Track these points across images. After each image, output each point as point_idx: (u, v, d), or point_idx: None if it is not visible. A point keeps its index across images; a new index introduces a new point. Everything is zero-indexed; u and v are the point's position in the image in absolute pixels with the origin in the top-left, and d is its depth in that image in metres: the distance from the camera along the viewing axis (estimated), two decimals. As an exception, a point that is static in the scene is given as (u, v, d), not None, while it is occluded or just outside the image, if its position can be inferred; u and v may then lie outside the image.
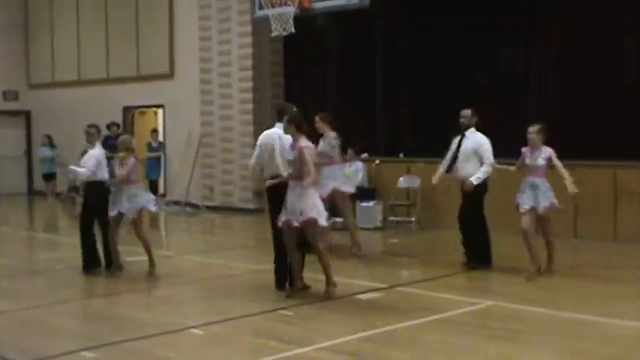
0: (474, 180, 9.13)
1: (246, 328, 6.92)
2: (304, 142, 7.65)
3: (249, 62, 16.16)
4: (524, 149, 8.88)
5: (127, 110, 19.34)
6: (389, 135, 15.47)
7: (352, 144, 14.45)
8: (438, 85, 14.38)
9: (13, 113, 21.43)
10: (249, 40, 16.11)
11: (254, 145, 8.89)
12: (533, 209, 8.70)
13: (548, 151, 8.75)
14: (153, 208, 9.22)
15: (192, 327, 6.79)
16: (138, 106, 19.22)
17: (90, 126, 9.69)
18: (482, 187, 9.34)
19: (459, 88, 13.79)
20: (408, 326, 6.82)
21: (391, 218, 13.75)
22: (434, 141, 14.40)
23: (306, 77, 16.51)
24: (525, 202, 8.72)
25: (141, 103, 18.82)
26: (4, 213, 17.52)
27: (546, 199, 8.72)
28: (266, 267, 8.86)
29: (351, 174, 13.99)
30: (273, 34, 14.36)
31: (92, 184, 9.34)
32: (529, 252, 8.83)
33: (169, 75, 17.85)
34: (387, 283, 8.67)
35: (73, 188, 18.73)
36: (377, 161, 14.32)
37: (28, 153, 21.56)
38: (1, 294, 8.61)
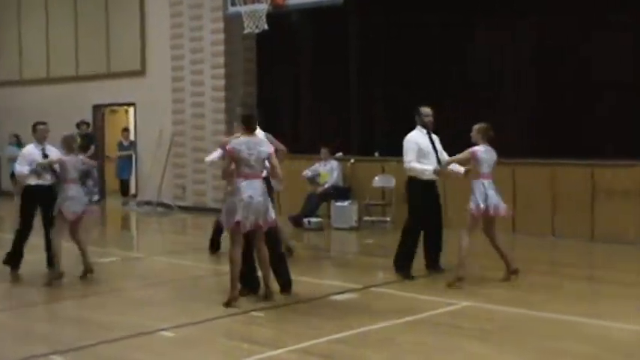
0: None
1: (218, 330, 6.90)
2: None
3: (221, 59, 16.11)
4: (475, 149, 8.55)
5: (97, 108, 19.20)
6: (363, 132, 15.51)
7: (326, 142, 14.48)
8: (412, 82, 14.42)
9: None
10: (221, 37, 16.06)
11: (226, 144, 8.85)
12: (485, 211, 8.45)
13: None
14: (75, 210, 8.83)
15: (164, 329, 6.75)
16: (108, 104, 19.10)
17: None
18: (417, 193, 9.03)
19: (434, 84, 13.84)
20: (382, 327, 6.82)
21: (366, 218, 13.77)
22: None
23: (279, 74, 16.51)
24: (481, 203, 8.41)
25: (111, 101, 18.70)
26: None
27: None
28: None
29: (325, 173, 14.05)
30: (246, 31, 14.31)
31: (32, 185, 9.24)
32: (501, 256, 8.76)
33: (140, 72, 17.74)
34: (361, 284, 8.68)
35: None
36: (352, 160, 14.33)
37: (-5, 152, 21.31)
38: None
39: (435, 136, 9.14)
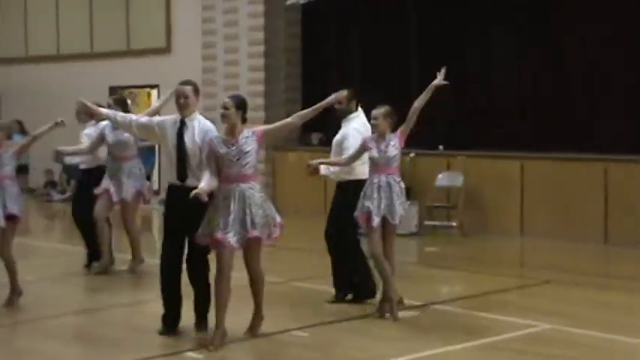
0: None
1: (260, 349, 6.97)
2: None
3: (260, 35, 16.16)
4: (366, 138, 8.07)
5: (114, 91, 19.38)
6: (425, 122, 15.39)
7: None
8: (486, 64, 14.39)
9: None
10: (260, 8, 16.12)
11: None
12: (384, 220, 7.82)
13: (396, 137, 8.00)
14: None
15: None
16: (127, 87, 19.27)
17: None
18: (348, 196, 8.19)
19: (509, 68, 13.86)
20: (450, 352, 6.82)
21: (428, 222, 13.73)
22: (479, 130, 14.50)
23: (327, 53, 16.48)
24: (376, 212, 7.75)
25: (131, 82, 18.86)
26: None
27: (400, 205, 7.88)
28: (287, 278, 8.89)
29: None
30: (289, 2, 14.36)
31: None
32: (383, 280, 7.95)
33: (165, 49, 17.86)
34: (421, 300, 8.65)
35: (50, 183, 18.89)
36: (411, 154, 14.28)
37: (-3, 141, 21.61)
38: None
39: None
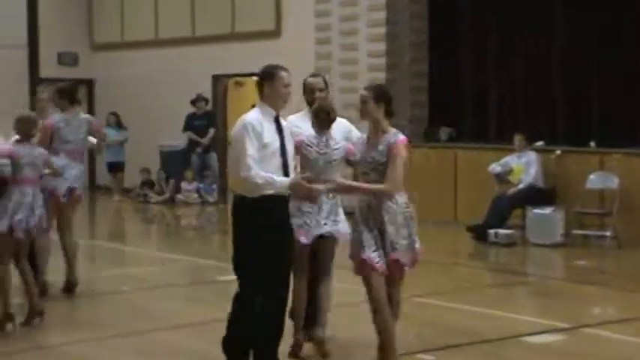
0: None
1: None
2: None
3: (382, 15, 16.17)
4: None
5: (218, 80, 19.68)
6: (574, 115, 15.18)
7: (522, 128, 14.27)
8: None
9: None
10: (382, -17, 16.20)
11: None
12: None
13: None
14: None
15: None
16: (233, 75, 19.53)
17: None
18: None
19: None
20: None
21: (577, 231, 13.49)
22: (634, 126, 14.18)
23: (459, 35, 16.37)
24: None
25: (236, 69, 19.10)
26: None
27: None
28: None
29: (519, 168, 13.86)
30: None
31: None
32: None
33: (274, 33, 18.05)
34: (569, 322, 8.54)
35: (146, 183, 19.29)
36: (557, 152, 14.06)
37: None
38: (53, 322, 8.85)
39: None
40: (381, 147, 6.55)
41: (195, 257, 12.43)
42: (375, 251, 6.49)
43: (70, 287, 9.67)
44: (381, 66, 16.22)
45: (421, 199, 14.72)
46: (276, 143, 6.57)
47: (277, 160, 6.57)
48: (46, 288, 9.42)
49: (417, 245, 6.67)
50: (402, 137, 6.60)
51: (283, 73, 6.65)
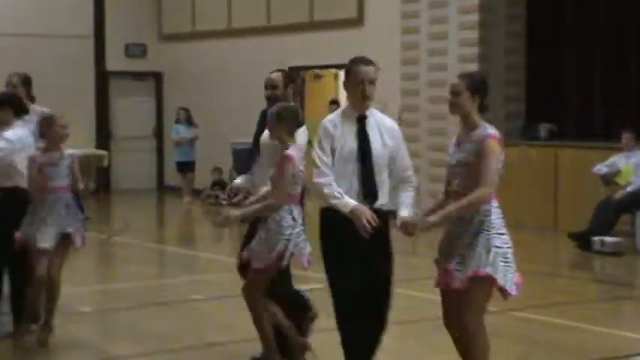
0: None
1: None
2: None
3: (474, 1, 16.02)
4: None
5: (294, 72, 19.67)
6: None
7: (630, 124, 14.01)
8: None
9: (138, 75, 22.38)
10: (473, -33, 16.06)
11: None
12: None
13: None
14: (77, 241, 8.14)
15: None
16: (311, 67, 19.52)
17: None
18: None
19: None
20: None
21: None
22: None
23: (561, 23, 16.17)
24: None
25: (314, 61, 19.09)
26: (125, 216, 18.34)
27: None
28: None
29: (628, 169, 13.60)
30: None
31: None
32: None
33: (356, 21, 17.98)
34: None
35: (217, 183, 19.33)
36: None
37: (158, 133, 22.41)
38: (122, 332, 8.95)
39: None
40: (469, 145, 6.10)
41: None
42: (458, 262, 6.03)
43: None
44: (473, 57, 16.06)
45: (518, 202, 14.77)
46: (352, 147, 6.34)
47: (352, 167, 6.33)
48: None
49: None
50: (493, 131, 6.13)
51: (362, 68, 6.38)
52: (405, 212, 6.20)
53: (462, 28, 16.20)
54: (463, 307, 6.04)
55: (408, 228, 6.06)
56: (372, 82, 6.36)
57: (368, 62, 6.42)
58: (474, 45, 16.08)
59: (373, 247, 6.31)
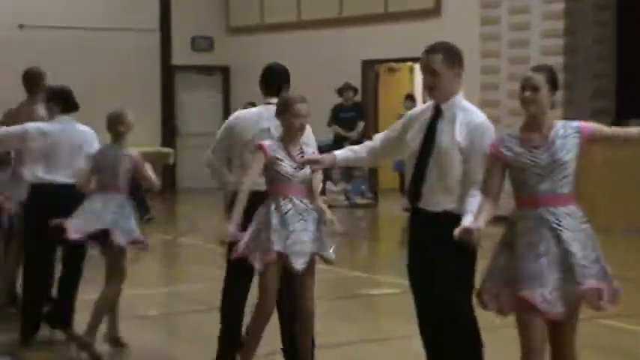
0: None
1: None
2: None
3: (559, -12, 15.88)
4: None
5: (368, 66, 19.62)
6: None
7: None
8: None
9: (205, 70, 22.53)
10: (559, -46, 15.89)
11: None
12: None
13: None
14: (120, 240, 7.96)
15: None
16: (385, 60, 19.45)
17: None
18: None
19: None
20: None
21: None
22: None
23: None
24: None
25: (389, 54, 19.04)
26: (192, 216, 18.37)
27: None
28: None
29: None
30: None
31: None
32: None
33: (434, 11, 17.95)
34: None
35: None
36: None
37: (226, 129, 22.49)
38: (184, 336, 9.03)
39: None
40: (559, 142, 5.57)
41: (341, 268, 12.31)
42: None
43: None
44: (558, 48, 15.89)
45: (607, 204, 14.57)
46: (416, 142, 6.06)
47: (412, 164, 6.08)
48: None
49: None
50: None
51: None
52: (467, 219, 5.59)
53: (546, 18, 16.03)
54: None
55: (469, 235, 5.50)
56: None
57: (435, 51, 6.07)
58: (559, 36, 15.91)
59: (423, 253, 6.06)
